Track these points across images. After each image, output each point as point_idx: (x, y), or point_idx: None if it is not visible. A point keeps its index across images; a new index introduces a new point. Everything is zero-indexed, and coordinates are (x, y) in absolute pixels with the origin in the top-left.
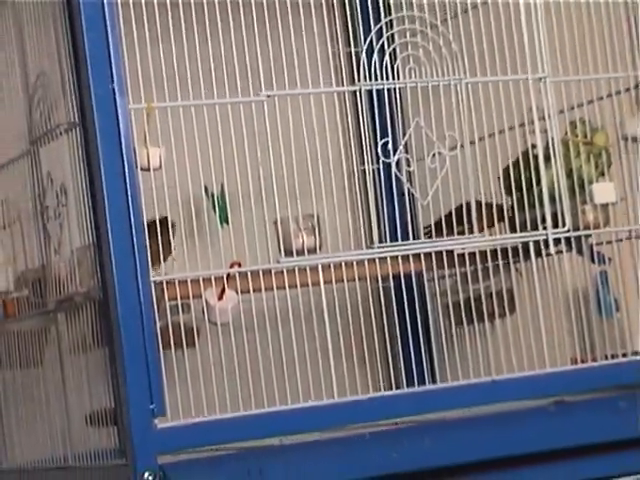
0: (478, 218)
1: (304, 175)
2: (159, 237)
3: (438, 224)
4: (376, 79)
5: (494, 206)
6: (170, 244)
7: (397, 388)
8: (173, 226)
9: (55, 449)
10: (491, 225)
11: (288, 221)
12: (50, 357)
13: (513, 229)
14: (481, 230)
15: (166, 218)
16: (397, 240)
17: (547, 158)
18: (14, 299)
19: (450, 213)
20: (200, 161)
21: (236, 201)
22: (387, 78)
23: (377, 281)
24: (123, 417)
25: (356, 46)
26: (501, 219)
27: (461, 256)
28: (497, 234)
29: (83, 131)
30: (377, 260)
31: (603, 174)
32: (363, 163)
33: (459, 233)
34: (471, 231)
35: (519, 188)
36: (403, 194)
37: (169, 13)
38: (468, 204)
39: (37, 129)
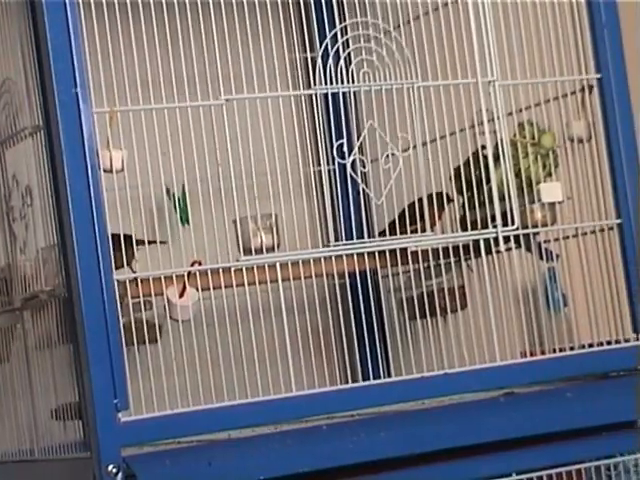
0: (430, 210)
1: (262, 176)
2: (122, 249)
3: (392, 224)
4: (331, 83)
5: (443, 195)
6: (133, 255)
7: (354, 382)
8: (137, 243)
9: (21, 442)
10: (441, 212)
11: (247, 221)
12: (16, 353)
13: (464, 227)
14: (433, 223)
15: (131, 237)
16: (353, 238)
17: (496, 158)
18: None
19: (403, 211)
20: (161, 163)
21: (197, 201)
22: (342, 82)
23: (334, 278)
24: (88, 411)
25: (312, 51)
26: (450, 202)
27: (414, 253)
28: (449, 232)
29: (47, 134)
30: (333, 258)
31: (550, 174)
32: (319, 164)
33: (412, 231)
34: (423, 228)
35: (470, 187)
36: (358, 194)
37: (130, 17)
38: (420, 199)
39: (3, 132)
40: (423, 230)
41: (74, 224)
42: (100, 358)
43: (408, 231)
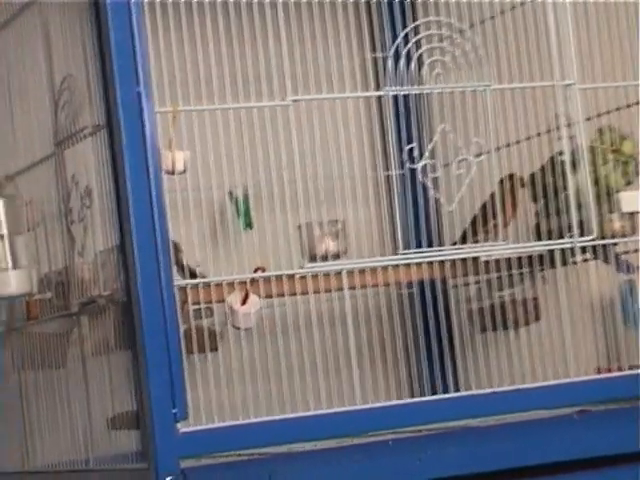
0: (504, 197)
1: (329, 180)
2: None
3: (464, 233)
4: (402, 85)
5: (515, 177)
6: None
7: (420, 395)
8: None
9: (77, 452)
10: (516, 201)
11: (313, 226)
12: (73, 359)
13: (538, 236)
14: (509, 216)
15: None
16: (422, 246)
17: (574, 165)
18: (37, 301)
19: (475, 216)
20: (225, 165)
21: (260, 205)
22: (413, 84)
23: (401, 287)
24: (145, 421)
25: (383, 51)
26: (523, 187)
27: (486, 263)
28: (523, 242)
29: (109, 134)
30: (402, 266)
31: (630, 183)
32: (388, 169)
33: (487, 232)
34: (496, 229)
35: (545, 195)
36: (428, 200)
37: (195, 16)
38: (492, 195)
39: (62, 131)
40: (495, 229)
41: (134, 227)
42: (159, 366)
43: (482, 232)
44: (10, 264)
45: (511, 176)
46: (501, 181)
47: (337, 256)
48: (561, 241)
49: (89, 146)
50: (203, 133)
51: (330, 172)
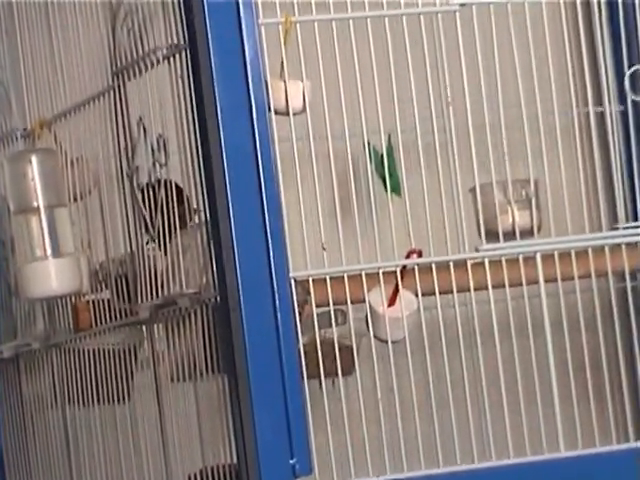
0: None
1: (512, 121)
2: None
3: None
4: None
5: None
6: (190, 214)
7: None
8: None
9: None
10: None
11: (491, 190)
12: (141, 388)
13: None
14: None
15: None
16: None
17: None
18: (89, 304)
19: None
20: (361, 102)
21: (410, 161)
22: None
23: (624, 278)
24: (250, 477)
25: None
26: None
27: None
28: None
29: (191, 57)
30: (624, 247)
31: None
32: (601, 103)
33: None
34: None
35: None
36: None
37: None
38: None
39: (123, 55)
40: None
41: (232, 194)
42: (270, 397)
43: None
44: (49, 250)
45: None
46: None
47: (528, 233)
48: None
49: (163, 75)
50: (330, 55)
51: (514, 110)
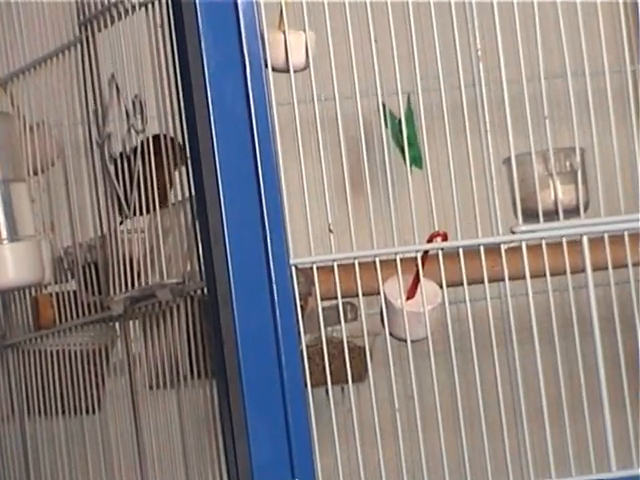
0: None
1: (555, 82)
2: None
3: None
4: None
5: None
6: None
7: None
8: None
9: None
10: None
11: (529, 160)
12: (114, 396)
13: None
14: None
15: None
16: None
17: None
18: (52, 297)
19: None
20: (375, 56)
21: (434, 127)
22: None
23: None
24: None
25: None
26: None
27: None
28: None
29: (173, 4)
30: None
31: None
32: None
33: None
34: None
35: None
36: None
37: None
38: None
39: (92, 2)
40: None
41: (220, 165)
42: (266, 408)
43: None
44: (4, 233)
45: None
46: None
47: (574, 212)
48: None
49: (139, 25)
50: (337, 4)
51: (555, 68)
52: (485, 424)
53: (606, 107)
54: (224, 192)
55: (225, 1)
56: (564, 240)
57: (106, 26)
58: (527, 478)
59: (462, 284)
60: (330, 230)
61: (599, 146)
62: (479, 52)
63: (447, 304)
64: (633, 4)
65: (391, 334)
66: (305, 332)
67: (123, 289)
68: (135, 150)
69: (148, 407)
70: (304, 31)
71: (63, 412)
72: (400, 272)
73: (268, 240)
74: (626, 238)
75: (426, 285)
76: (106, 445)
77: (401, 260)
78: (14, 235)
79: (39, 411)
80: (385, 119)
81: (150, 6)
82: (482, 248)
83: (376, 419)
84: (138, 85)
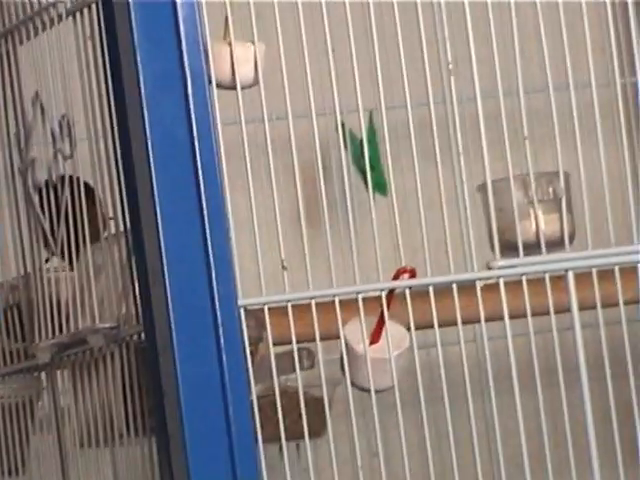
0: None
1: (535, 92)
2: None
3: None
4: None
5: None
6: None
7: None
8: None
9: None
10: None
11: (508, 187)
12: (41, 455)
13: None
14: None
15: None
16: None
17: None
18: None
19: None
20: (332, 69)
21: (398, 149)
22: None
23: None
24: None
25: None
26: None
27: None
28: None
29: (104, 13)
30: None
31: None
32: None
33: None
34: None
35: None
36: None
37: None
38: None
39: (13, 11)
40: None
41: (159, 194)
42: (212, 467)
43: None
44: None
45: None
46: None
47: (558, 244)
48: None
49: (67, 36)
50: (290, 8)
51: (537, 81)
52: None
53: (593, 125)
54: (163, 225)
55: (163, 8)
56: (547, 276)
57: (29, 38)
58: None
59: (433, 326)
60: (283, 267)
61: (585, 169)
62: (450, 64)
63: (416, 349)
64: (622, 5)
65: (353, 383)
66: (256, 382)
67: (50, 335)
68: (62, 178)
69: (78, 468)
70: (253, 42)
71: None
72: (362, 314)
73: (213, 278)
74: (617, 273)
75: (392, 328)
76: None
77: (364, 300)
78: None
79: None
80: (344, 140)
81: (79, 15)
82: (455, 286)
83: (336, 479)
84: (65, 104)
